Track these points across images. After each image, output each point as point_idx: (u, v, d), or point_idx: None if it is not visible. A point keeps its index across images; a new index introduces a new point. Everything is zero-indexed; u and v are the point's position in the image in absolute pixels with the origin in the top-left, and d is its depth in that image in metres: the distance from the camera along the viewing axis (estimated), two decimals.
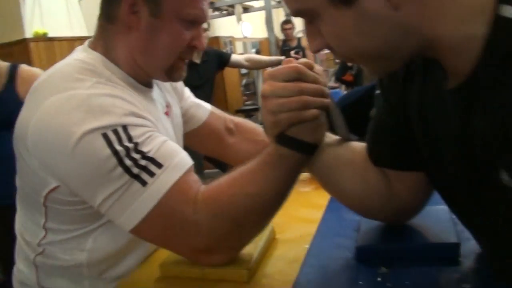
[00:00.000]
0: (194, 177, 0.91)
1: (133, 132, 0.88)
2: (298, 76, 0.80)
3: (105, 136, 0.85)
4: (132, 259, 1.07)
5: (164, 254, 1.00)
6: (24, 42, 3.83)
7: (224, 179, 0.89)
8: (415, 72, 0.78)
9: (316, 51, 0.74)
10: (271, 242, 1.04)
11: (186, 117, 1.33)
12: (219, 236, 0.86)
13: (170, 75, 1.06)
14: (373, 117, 0.92)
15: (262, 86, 0.83)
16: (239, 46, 8.52)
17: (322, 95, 0.81)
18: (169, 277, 0.95)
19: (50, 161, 0.89)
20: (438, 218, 0.96)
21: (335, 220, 1.12)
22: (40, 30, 3.99)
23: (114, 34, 1.01)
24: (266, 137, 0.87)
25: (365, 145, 0.93)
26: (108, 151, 0.84)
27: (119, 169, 0.84)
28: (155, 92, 1.14)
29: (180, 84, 1.33)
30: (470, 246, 0.88)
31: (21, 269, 1.11)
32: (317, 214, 1.15)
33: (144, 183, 0.85)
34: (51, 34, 4.07)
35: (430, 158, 0.80)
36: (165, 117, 1.15)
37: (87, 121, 0.85)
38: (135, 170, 0.85)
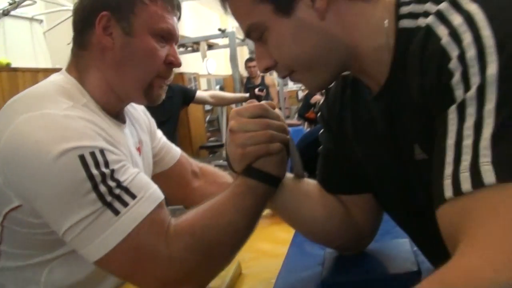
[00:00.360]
0: (165, 210, 0.91)
1: (110, 157, 0.87)
2: (263, 113, 0.87)
3: (82, 158, 0.84)
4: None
5: None
6: None
7: (194, 212, 0.90)
8: (347, 102, 0.90)
9: (264, 70, 0.83)
10: (238, 277, 1.05)
11: (157, 158, 1.33)
12: (190, 269, 0.86)
13: (148, 95, 1.06)
14: (321, 152, 1.02)
15: (230, 123, 0.88)
16: (203, 83, 8.59)
17: (284, 131, 0.89)
18: None
19: (18, 178, 0.87)
20: (398, 250, 1.00)
21: (300, 254, 1.14)
22: (4, 59, 3.94)
23: (87, 60, 1.03)
24: (230, 174, 0.91)
25: (313, 182, 1.01)
26: (83, 174, 0.83)
27: (93, 195, 0.83)
28: (128, 127, 1.14)
29: (153, 124, 1.34)
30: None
31: None
32: (282, 249, 1.17)
33: (116, 212, 0.83)
34: (14, 64, 4.02)
35: (368, 164, 0.89)
36: (137, 153, 1.15)
37: (63, 140, 0.84)
38: (109, 198, 0.83)
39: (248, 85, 6.93)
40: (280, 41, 0.77)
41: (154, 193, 0.89)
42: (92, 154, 0.85)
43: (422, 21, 0.67)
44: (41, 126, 0.86)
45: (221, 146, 6.67)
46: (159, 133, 1.38)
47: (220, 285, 0.95)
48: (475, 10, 0.58)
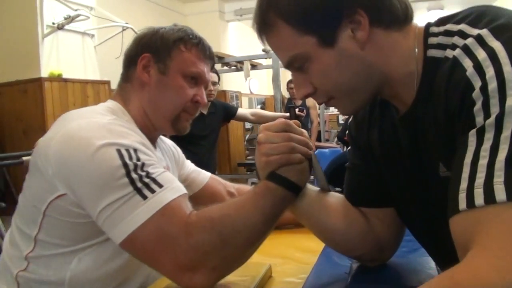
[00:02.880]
0: (188, 203, 1.00)
1: (142, 156, 1.01)
2: (287, 128, 0.98)
3: (119, 151, 0.98)
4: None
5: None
6: (39, 80, 3.95)
7: (216, 205, 0.99)
8: (375, 119, 0.99)
9: (302, 97, 0.90)
10: (268, 279, 1.10)
11: (187, 182, 1.46)
12: (205, 250, 0.91)
13: (175, 126, 1.25)
14: (348, 167, 1.11)
15: (258, 136, 1.00)
16: (245, 101, 8.70)
17: (306, 145, 0.99)
18: None
19: (65, 167, 1.00)
20: (423, 266, 1.04)
21: (328, 263, 1.18)
22: (56, 71, 4.12)
23: (130, 91, 1.24)
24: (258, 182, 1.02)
25: (341, 194, 1.09)
26: (119, 162, 0.96)
27: (125, 180, 0.95)
28: (157, 153, 1.29)
29: (181, 155, 1.50)
30: None
31: None
32: (312, 258, 1.23)
33: (144, 197, 0.94)
34: (65, 75, 4.19)
35: (392, 180, 0.97)
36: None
37: (104, 138, 1.00)
38: (139, 184, 0.95)
39: (289, 105, 6.99)
40: (324, 70, 0.83)
41: (179, 186, 1.01)
42: (127, 150, 0.99)
43: (449, 53, 0.74)
44: (89, 127, 1.03)
45: None
46: (188, 163, 1.54)
47: (250, 284, 1.01)
48: (498, 47, 0.65)
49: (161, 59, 1.21)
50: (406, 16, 0.83)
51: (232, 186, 1.57)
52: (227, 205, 0.99)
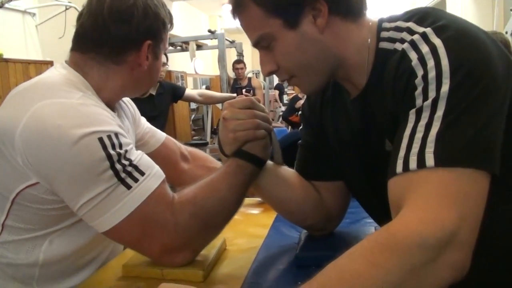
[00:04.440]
0: (167, 186, 1.03)
1: (123, 140, 0.98)
2: (251, 105, 1.06)
3: (101, 140, 0.94)
4: (86, 267, 1.15)
5: (126, 256, 1.12)
6: None
7: (194, 187, 1.04)
8: (328, 101, 1.10)
9: (267, 74, 0.99)
10: (223, 251, 1.18)
11: (142, 141, 1.44)
12: (192, 236, 1.00)
13: (144, 94, 1.25)
14: (300, 144, 1.21)
15: (223, 112, 1.06)
16: (190, 82, 8.68)
17: (268, 121, 1.08)
18: (130, 277, 1.05)
19: (39, 159, 0.94)
20: (364, 234, 1.15)
21: (279, 235, 1.28)
22: None
23: (113, 71, 1.13)
24: (220, 157, 1.11)
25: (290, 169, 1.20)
26: (102, 153, 0.93)
27: (110, 172, 0.94)
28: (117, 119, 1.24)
29: (137, 113, 1.45)
30: None
31: None
32: (263, 231, 1.31)
33: (128, 187, 0.95)
34: (6, 55, 4.08)
35: (341, 157, 1.08)
36: None
37: (83, 125, 0.94)
38: (123, 175, 0.95)
39: (235, 86, 7.04)
40: (286, 49, 0.93)
41: (158, 171, 1.02)
42: (109, 137, 0.95)
43: (398, 46, 0.85)
44: (61, 112, 0.95)
45: (205, 144, 6.77)
46: (143, 120, 1.48)
47: (207, 255, 1.08)
48: (439, 44, 0.77)
49: (158, 44, 1.17)
50: (361, 10, 0.94)
51: (186, 149, 1.57)
52: (203, 188, 1.03)
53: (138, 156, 1.00)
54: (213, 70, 9.40)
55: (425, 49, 0.78)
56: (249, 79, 7.26)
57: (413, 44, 0.81)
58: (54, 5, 4.39)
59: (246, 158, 1.05)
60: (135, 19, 1.11)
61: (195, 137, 7.94)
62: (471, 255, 0.68)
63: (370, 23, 0.95)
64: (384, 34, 0.92)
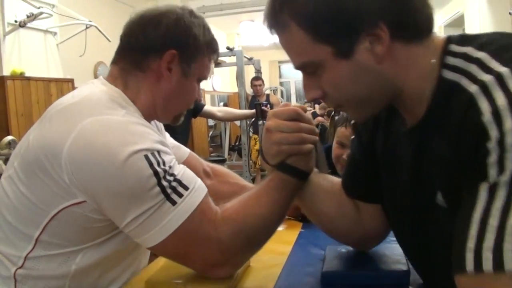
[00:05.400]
0: (211, 200, 1.03)
1: (165, 158, 0.98)
2: (297, 117, 0.97)
3: (147, 157, 0.95)
4: (115, 279, 1.15)
5: (149, 273, 1.10)
6: (1, 79, 3.90)
7: (236, 201, 1.02)
8: (381, 120, 0.97)
9: (311, 100, 0.92)
10: (247, 268, 1.16)
11: None
12: (235, 252, 1.00)
13: (175, 120, 1.24)
14: (348, 156, 1.12)
15: (267, 123, 1.00)
16: (208, 99, 8.73)
17: (314, 133, 0.99)
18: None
19: (86, 177, 0.95)
20: (393, 252, 1.11)
21: (303, 252, 1.26)
22: (18, 69, 4.07)
23: (141, 81, 1.13)
24: (263, 165, 1.06)
25: (340, 179, 1.12)
26: (150, 171, 0.94)
27: (157, 189, 0.94)
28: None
29: (162, 128, 1.44)
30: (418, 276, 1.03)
31: None
32: (287, 248, 1.29)
33: (174, 202, 0.95)
34: (28, 73, 4.14)
35: (388, 189, 0.98)
36: None
37: (130, 143, 0.95)
38: (169, 191, 0.95)
39: (254, 102, 7.05)
40: (337, 80, 0.81)
41: (201, 184, 1.02)
42: (153, 155, 0.96)
43: (465, 82, 0.70)
44: (107, 129, 0.96)
45: (223, 161, 6.78)
46: (167, 135, 1.49)
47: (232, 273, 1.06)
48: None
49: (187, 60, 1.14)
50: (428, 28, 0.80)
51: (207, 165, 1.58)
52: (246, 203, 1.02)
53: (181, 171, 1.00)
54: (231, 87, 9.43)
55: (501, 100, 0.63)
56: (267, 95, 7.27)
57: (485, 90, 0.65)
58: (75, 24, 4.45)
59: (290, 173, 0.99)
60: (163, 26, 1.12)
61: (212, 154, 7.96)
62: None
63: (435, 42, 0.79)
64: (450, 60, 0.75)
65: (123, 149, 0.93)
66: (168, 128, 1.50)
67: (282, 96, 8.26)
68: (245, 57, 5.90)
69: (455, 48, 0.76)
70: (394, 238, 1.06)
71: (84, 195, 0.97)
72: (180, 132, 3.78)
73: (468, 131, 0.66)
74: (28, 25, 4.12)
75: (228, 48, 5.98)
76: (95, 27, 4.38)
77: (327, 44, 0.77)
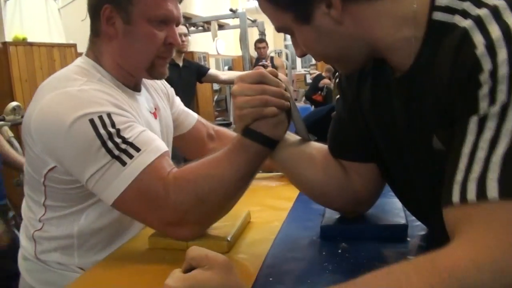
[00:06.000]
0: (169, 161, 1.06)
1: (116, 119, 1.03)
2: (262, 79, 0.96)
3: (92, 121, 1.01)
4: (119, 238, 1.21)
5: (151, 231, 1.13)
6: (4, 45, 3.89)
7: (194, 163, 1.04)
8: (367, 73, 0.95)
9: (300, 56, 0.91)
10: (247, 223, 1.18)
11: (176, 122, 1.50)
12: (185, 210, 1.00)
13: (151, 73, 1.22)
14: (334, 117, 1.08)
15: (233, 87, 0.99)
16: (212, 62, 8.68)
17: (282, 97, 0.97)
18: (157, 249, 1.08)
19: (49, 144, 1.06)
20: (390, 206, 1.13)
21: (303, 208, 1.27)
22: (20, 34, 4.06)
23: (100, 45, 1.20)
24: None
25: (324, 145, 1.09)
26: (93, 134, 1.00)
27: (103, 150, 1.00)
28: (143, 95, 1.31)
29: (171, 92, 1.52)
30: (417, 228, 1.05)
31: (23, 245, 1.26)
32: (288, 204, 1.31)
33: (123, 163, 1.00)
34: (30, 39, 4.13)
35: (380, 141, 0.96)
36: (151, 116, 1.30)
37: (77, 109, 1.02)
38: (116, 152, 1.00)
39: (258, 64, 7.03)
40: (306, 43, 0.85)
41: (157, 146, 1.05)
42: (100, 118, 1.02)
43: (459, 20, 0.68)
44: (61, 100, 1.06)
45: (228, 125, 6.78)
46: (178, 101, 1.55)
47: (231, 227, 1.09)
48: None
49: (123, 7, 1.14)
50: None
51: (213, 128, 1.63)
52: (203, 164, 1.02)
53: (136, 133, 1.04)
54: (235, 50, 9.36)
55: (495, 32, 0.62)
56: (272, 58, 7.23)
57: (479, 23, 0.64)
58: None
59: (251, 137, 0.97)
60: None
61: (218, 118, 7.97)
62: None
63: None
64: (441, 1, 0.73)
65: (70, 115, 1.02)
66: (171, 83, 1.53)
67: (286, 59, 8.19)
68: (248, 19, 5.84)
69: None
70: (393, 193, 1.07)
71: (53, 160, 1.08)
72: (184, 89, 3.78)
73: (461, 66, 0.66)
74: None
75: (231, 10, 5.92)
76: None
77: (288, 11, 0.82)
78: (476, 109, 0.63)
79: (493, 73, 0.61)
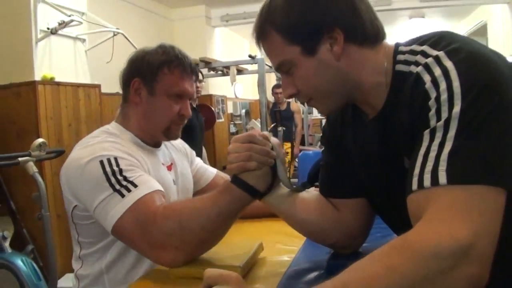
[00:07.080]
0: (161, 197, 1.24)
1: (121, 162, 1.28)
2: (251, 140, 1.15)
3: (101, 162, 1.26)
4: (141, 268, 1.36)
5: None
6: (32, 84, 4.04)
7: (184, 199, 1.25)
8: (348, 121, 1.15)
9: (287, 96, 1.08)
10: (260, 253, 1.28)
11: (196, 178, 1.71)
12: (168, 233, 1.16)
13: (167, 135, 1.51)
14: (321, 166, 1.27)
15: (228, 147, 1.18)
16: (230, 105, 8.83)
17: (267, 154, 1.15)
18: (178, 277, 1.17)
19: (70, 183, 1.32)
20: (386, 240, 1.19)
21: (314, 245, 1.34)
22: (48, 74, 4.21)
23: (128, 110, 1.51)
24: None
25: (315, 190, 1.27)
26: (101, 171, 1.25)
27: (106, 184, 1.23)
28: (161, 151, 1.55)
29: (191, 153, 1.75)
30: None
31: (74, 283, 1.47)
32: (299, 242, 1.40)
33: (122, 195, 1.21)
34: (57, 79, 4.29)
35: (363, 172, 1.13)
36: (164, 168, 1.52)
37: (91, 154, 1.29)
38: (117, 187, 1.22)
39: (273, 109, 7.14)
40: (305, 75, 1.01)
41: (153, 185, 1.25)
42: (108, 160, 1.27)
43: (413, 68, 0.91)
44: (81, 151, 1.34)
45: None
46: (198, 160, 1.79)
47: (243, 257, 1.18)
48: (450, 67, 0.82)
49: (148, 82, 1.45)
50: (377, 37, 1.01)
51: None
52: (191, 200, 1.25)
53: (137, 175, 1.25)
54: (253, 94, 9.53)
55: (437, 72, 0.83)
56: (288, 103, 7.36)
57: (427, 67, 0.86)
58: (103, 31, 4.60)
59: (236, 183, 1.16)
60: (129, 62, 1.49)
61: None
62: (489, 269, 0.71)
63: (387, 48, 1.00)
64: (400, 57, 0.97)
65: (85, 158, 1.29)
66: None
67: (303, 104, 8.32)
68: (266, 65, 5.98)
69: (403, 48, 0.98)
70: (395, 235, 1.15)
71: (74, 198, 1.33)
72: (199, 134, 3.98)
73: (416, 98, 0.87)
74: (59, 32, 4.27)
75: (250, 56, 6.08)
76: (122, 34, 4.51)
77: (296, 44, 0.99)
78: (428, 125, 0.82)
79: (437, 99, 0.81)
